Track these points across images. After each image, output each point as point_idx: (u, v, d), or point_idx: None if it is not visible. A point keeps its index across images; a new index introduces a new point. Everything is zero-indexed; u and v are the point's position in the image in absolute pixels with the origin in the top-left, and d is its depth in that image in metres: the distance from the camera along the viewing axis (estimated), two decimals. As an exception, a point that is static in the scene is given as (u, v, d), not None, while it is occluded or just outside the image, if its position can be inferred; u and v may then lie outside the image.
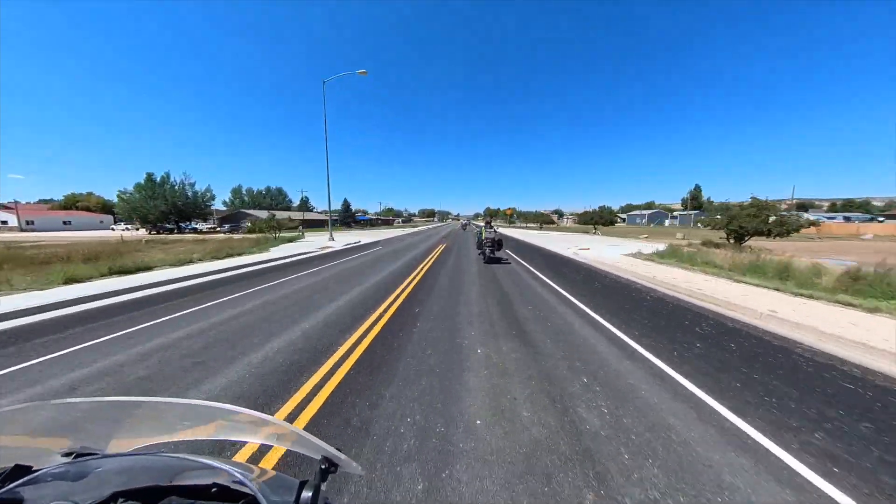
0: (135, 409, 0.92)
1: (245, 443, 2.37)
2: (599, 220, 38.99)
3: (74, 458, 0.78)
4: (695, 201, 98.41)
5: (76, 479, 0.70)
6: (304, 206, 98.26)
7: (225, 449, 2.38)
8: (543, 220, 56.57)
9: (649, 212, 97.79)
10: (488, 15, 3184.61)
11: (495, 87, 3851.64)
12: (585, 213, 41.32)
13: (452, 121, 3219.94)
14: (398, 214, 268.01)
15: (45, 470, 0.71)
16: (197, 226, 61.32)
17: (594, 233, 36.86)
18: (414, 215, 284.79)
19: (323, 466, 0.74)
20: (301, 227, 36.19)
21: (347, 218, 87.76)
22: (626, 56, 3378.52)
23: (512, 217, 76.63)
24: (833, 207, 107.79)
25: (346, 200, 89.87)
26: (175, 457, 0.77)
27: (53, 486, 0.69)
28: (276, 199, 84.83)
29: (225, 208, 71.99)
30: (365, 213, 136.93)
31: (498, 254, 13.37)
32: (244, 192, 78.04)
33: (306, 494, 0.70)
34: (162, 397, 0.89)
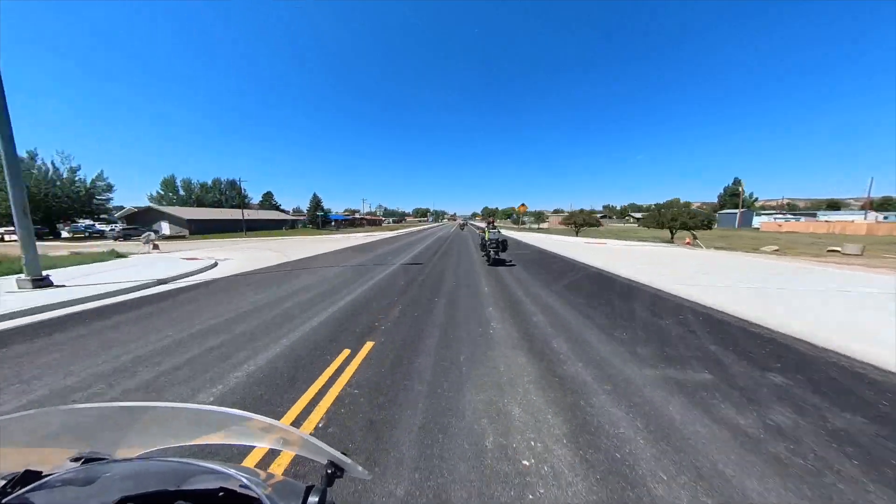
0: (143, 414, 0.91)
1: (253, 448, 2.14)
2: (691, 223, 22.73)
3: (83, 463, 0.79)
4: (735, 198, 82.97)
5: (85, 485, 0.71)
6: (269, 202, 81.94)
7: (233, 454, 2.16)
8: (585, 221, 36.69)
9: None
10: (487, 9, 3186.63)
11: (495, 84, 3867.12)
12: (661, 208, 25.10)
13: (449, 120, 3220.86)
14: (391, 214, 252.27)
15: (54, 475, 0.72)
16: (105, 228, 45.20)
17: (690, 243, 20.91)
18: (408, 215, 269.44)
19: (329, 471, 0.75)
20: (150, 235, 19.94)
21: (317, 217, 71.63)
22: (627, 52, 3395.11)
23: (520, 218, 58.94)
24: (872, 206, 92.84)
25: (315, 196, 73.64)
26: (182, 462, 0.78)
27: (62, 491, 0.70)
28: (227, 194, 68.12)
29: (153, 206, 55.30)
30: (356, 212, 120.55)
31: (502, 255, 12.93)
32: (178, 184, 60.94)
33: (313, 499, 0.69)
34: (170, 402, 0.87)
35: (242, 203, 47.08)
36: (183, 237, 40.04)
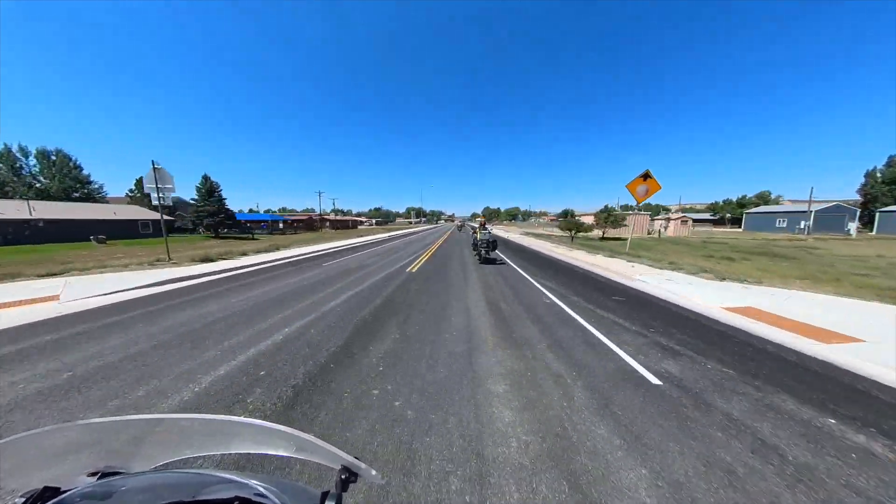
0: (157, 426, 0.92)
1: (266, 455, 2.09)
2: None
3: (100, 477, 0.80)
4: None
5: (103, 499, 0.71)
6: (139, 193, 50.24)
7: (247, 462, 2.31)
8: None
9: (819, 207, 50.47)
10: (485, 6, 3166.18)
11: (495, 83, 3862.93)
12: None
13: (449, 120, 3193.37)
14: (383, 214, 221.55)
15: (72, 491, 0.72)
16: None
17: None
18: (401, 215, 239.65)
19: (343, 476, 0.76)
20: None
21: (202, 216, 41.07)
22: (628, 51, 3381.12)
23: (643, 208, 25.66)
24: None
25: (207, 180, 42.82)
26: (198, 473, 0.79)
27: None
28: (52, 173, 37.30)
29: None
30: (341, 213, 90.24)
31: (492, 255, 13.46)
32: None
33: None
34: (183, 414, 0.91)
35: None
36: None
